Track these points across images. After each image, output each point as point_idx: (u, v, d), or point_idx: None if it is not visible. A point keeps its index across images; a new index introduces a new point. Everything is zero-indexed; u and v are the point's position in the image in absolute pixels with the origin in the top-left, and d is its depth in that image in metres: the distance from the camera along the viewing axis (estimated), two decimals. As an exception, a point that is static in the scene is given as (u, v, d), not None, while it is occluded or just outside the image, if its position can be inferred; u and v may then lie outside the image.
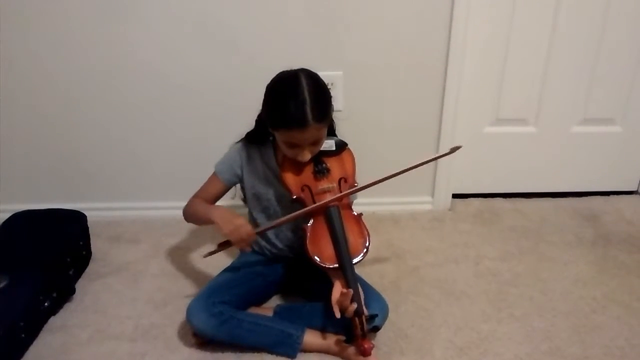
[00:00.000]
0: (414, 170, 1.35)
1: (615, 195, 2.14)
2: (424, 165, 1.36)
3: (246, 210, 1.54)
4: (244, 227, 1.33)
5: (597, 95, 1.98)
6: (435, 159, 1.48)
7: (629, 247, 1.81)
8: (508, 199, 2.11)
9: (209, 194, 1.47)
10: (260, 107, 1.37)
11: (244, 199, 1.52)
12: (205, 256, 1.44)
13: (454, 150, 1.36)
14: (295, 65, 1.34)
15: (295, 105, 1.26)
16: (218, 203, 1.48)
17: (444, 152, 1.38)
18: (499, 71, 1.93)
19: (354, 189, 1.38)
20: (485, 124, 2.02)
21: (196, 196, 1.48)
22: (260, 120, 1.42)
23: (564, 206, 2.07)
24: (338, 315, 1.24)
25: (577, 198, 2.11)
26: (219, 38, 1.78)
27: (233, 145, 1.48)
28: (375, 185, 1.35)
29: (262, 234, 1.50)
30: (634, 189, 2.17)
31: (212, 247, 1.42)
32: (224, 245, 1.39)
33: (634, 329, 1.45)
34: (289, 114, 1.26)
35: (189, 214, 1.48)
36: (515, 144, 2.06)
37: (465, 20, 1.76)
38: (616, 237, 1.87)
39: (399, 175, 1.33)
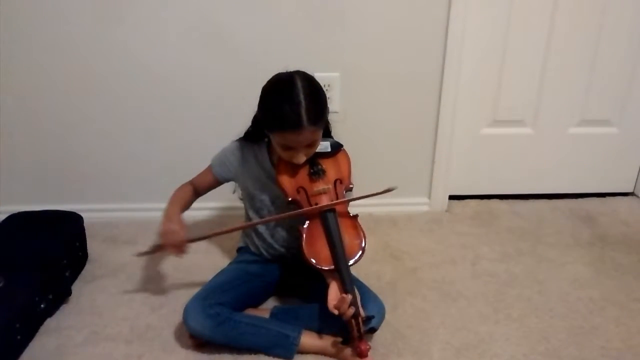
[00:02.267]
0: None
1: (611, 197, 2.14)
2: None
3: (240, 211, 1.55)
4: (176, 234, 1.37)
5: (594, 96, 1.99)
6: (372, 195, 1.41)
7: (626, 248, 1.81)
8: (505, 201, 2.11)
9: (201, 183, 1.51)
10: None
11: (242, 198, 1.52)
12: (139, 255, 1.50)
13: (387, 191, 1.33)
14: (293, 67, 1.34)
15: (290, 108, 1.25)
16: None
17: (377, 192, 1.34)
18: (497, 73, 1.93)
19: (346, 199, 1.38)
20: (482, 125, 2.03)
21: (190, 182, 1.52)
22: (256, 120, 1.42)
23: (561, 207, 2.07)
24: (336, 312, 1.24)
25: (574, 199, 2.12)
26: (216, 40, 1.78)
27: (232, 142, 1.48)
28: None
29: (257, 234, 1.51)
30: (630, 190, 2.17)
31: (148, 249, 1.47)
32: (156, 249, 1.45)
33: (631, 330, 1.45)
34: (284, 116, 1.26)
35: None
36: (512, 146, 2.06)
37: (462, 21, 1.77)
38: (613, 238, 1.87)
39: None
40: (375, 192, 1.32)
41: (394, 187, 1.32)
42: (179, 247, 1.38)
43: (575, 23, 1.87)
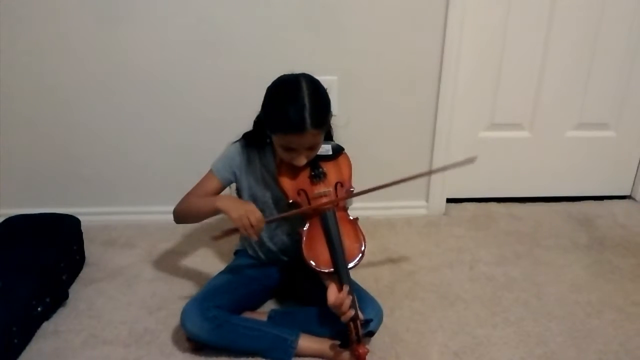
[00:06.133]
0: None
1: (609, 200, 2.15)
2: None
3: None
4: (254, 213, 1.29)
5: (591, 100, 1.99)
6: (448, 168, 1.44)
7: (623, 252, 1.82)
8: (503, 204, 2.11)
9: (204, 192, 1.44)
10: (257, 111, 1.37)
11: (240, 201, 1.51)
12: (214, 238, 1.35)
13: (470, 161, 1.33)
14: (290, 70, 1.34)
15: (294, 110, 1.26)
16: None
17: (458, 162, 1.34)
18: (494, 76, 1.94)
19: (350, 194, 1.38)
20: (480, 128, 2.03)
21: (190, 194, 1.46)
22: (258, 121, 1.42)
23: (559, 210, 2.08)
24: (336, 308, 1.23)
25: (572, 202, 2.12)
26: (214, 43, 1.78)
27: (231, 144, 1.48)
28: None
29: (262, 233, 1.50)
30: (627, 193, 2.18)
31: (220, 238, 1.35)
32: (231, 232, 1.33)
33: (629, 333, 1.45)
34: (287, 118, 1.26)
35: (184, 211, 1.44)
36: (510, 149, 2.07)
37: (460, 25, 1.77)
38: (610, 242, 1.88)
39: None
40: (455, 162, 1.36)
41: (474, 157, 1.33)
42: (256, 227, 1.29)
43: (572, 26, 1.87)
